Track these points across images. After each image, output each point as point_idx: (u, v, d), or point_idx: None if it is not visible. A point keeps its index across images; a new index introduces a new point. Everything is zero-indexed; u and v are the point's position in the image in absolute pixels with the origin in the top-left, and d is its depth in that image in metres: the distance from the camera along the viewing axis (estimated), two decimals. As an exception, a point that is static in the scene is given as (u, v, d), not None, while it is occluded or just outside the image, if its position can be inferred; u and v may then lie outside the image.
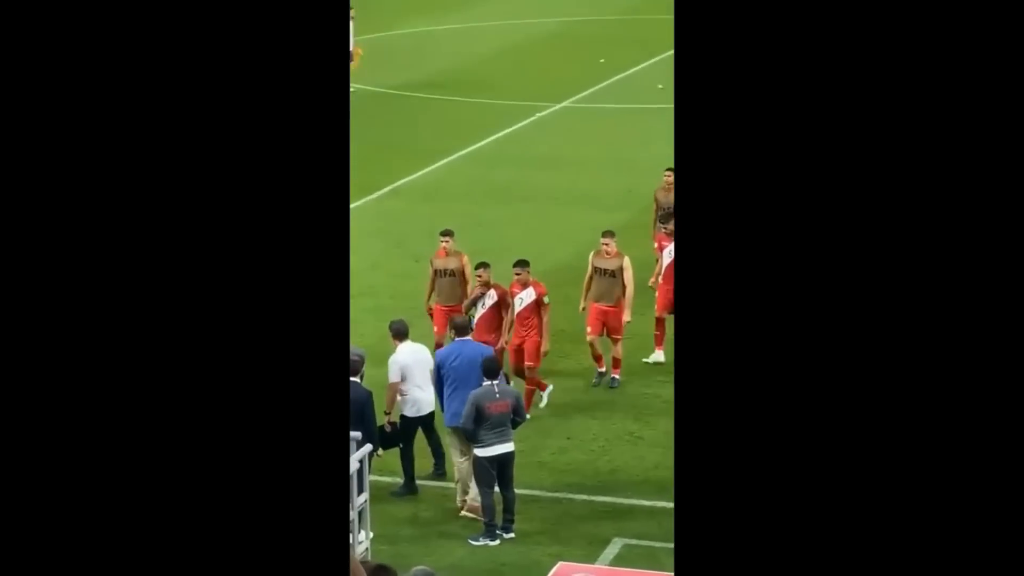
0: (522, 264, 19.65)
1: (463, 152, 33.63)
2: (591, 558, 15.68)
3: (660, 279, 21.73)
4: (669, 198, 22.89)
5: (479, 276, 19.58)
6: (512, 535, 16.16)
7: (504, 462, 16.12)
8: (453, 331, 17.62)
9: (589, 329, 20.37)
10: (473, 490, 16.46)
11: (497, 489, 16.17)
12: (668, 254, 21.33)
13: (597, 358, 20.42)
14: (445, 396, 16.87)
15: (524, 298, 19.35)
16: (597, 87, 40.44)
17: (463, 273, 20.46)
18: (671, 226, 21.09)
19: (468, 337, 17.31)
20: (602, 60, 42.89)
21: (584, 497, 17.08)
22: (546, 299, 19.47)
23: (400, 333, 17.62)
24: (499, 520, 16.15)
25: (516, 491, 16.39)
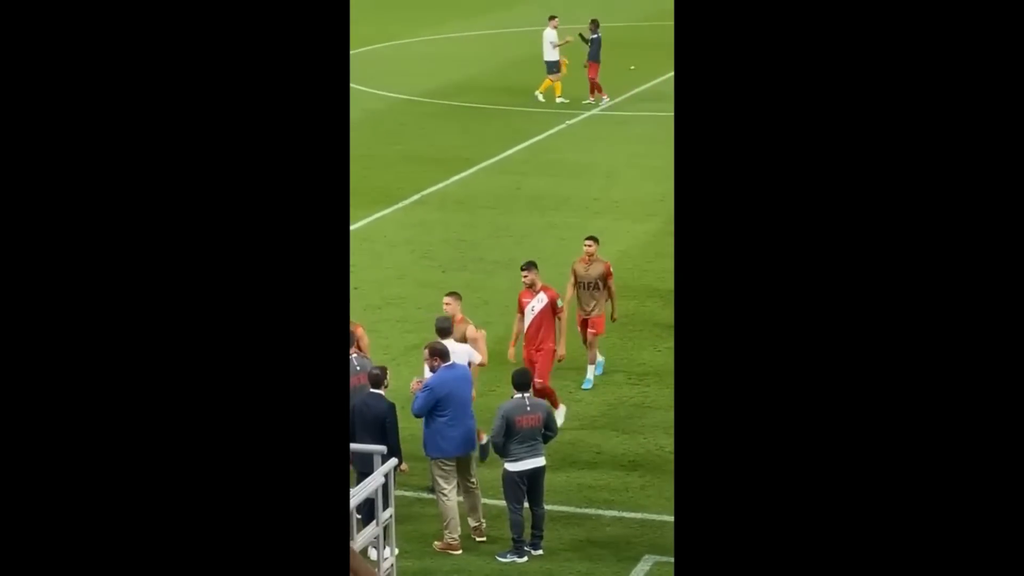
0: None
1: (492, 160, 33.40)
2: (621, 575, 15.39)
3: (522, 340, 19.12)
4: (589, 271, 20.18)
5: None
6: (540, 552, 15.89)
7: (534, 477, 15.84)
8: (437, 358, 16.30)
9: None
10: (453, 528, 16.04)
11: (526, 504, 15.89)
12: (531, 310, 18.85)
13: None
14: (441, 424, 15.97)
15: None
16: (628, 94, 40.24)
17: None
18: (532, 275, 18.80)
19: (453, 361, 16.34)
20: (632, 67, 42.65)
21: (614, 513, 16.82)
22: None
23: (443, 331, 17.25)
24: (527, 536, 15.85)
25: (545, 507, 16.08)
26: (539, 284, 18.92)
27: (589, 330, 20.14)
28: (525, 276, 18.90)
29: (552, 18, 40.16)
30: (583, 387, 20.09)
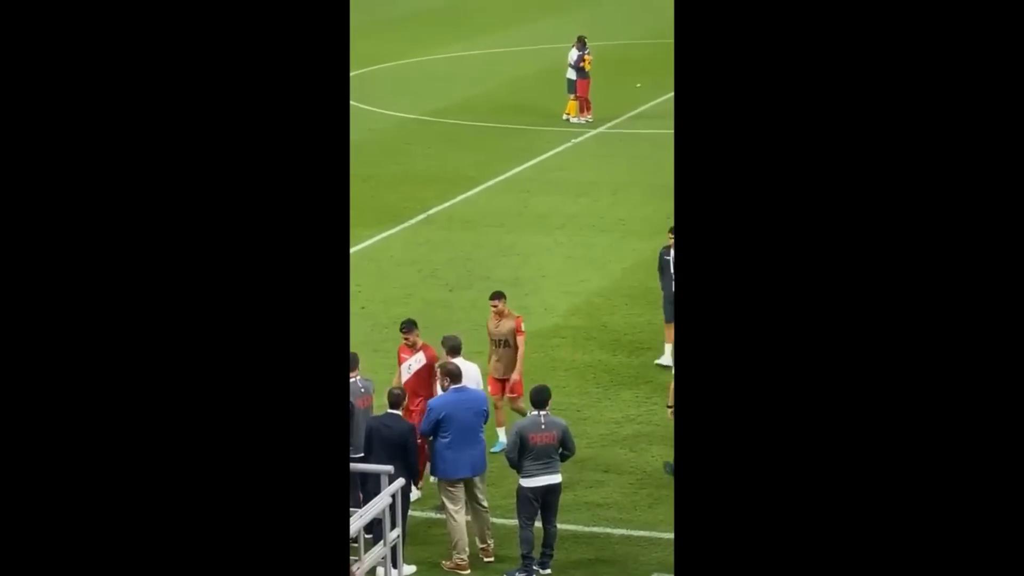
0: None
1: (498, 179, 33.43)
2: (630, 594, 15.43)
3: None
4: (499, 327, 18.98)
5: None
6: (549, 571, 15.89)
7: (548, 493, 15.85)
8: (447, 379, 16.41)
9: None
10: (461, 548, 16.03)
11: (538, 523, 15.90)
12: (408, 369, 17.70)
13: None
14: (442, 446, 16.04)
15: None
16: (634, 112, 40.27)
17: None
18: (413, 336, 17.76)
19: (464, 384, 16.41)
20: (639, 85, 42.69)
21: (622, 531, 16.82)
22: None
23: (453, 349, 17.26)
24: (536, 554, 15.87)
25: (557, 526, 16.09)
26: (419, 343, 17.93)
27: (508, 394, 19.05)
28: (406, 337, 17.80)
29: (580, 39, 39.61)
30: (492, 450, 18.05)
